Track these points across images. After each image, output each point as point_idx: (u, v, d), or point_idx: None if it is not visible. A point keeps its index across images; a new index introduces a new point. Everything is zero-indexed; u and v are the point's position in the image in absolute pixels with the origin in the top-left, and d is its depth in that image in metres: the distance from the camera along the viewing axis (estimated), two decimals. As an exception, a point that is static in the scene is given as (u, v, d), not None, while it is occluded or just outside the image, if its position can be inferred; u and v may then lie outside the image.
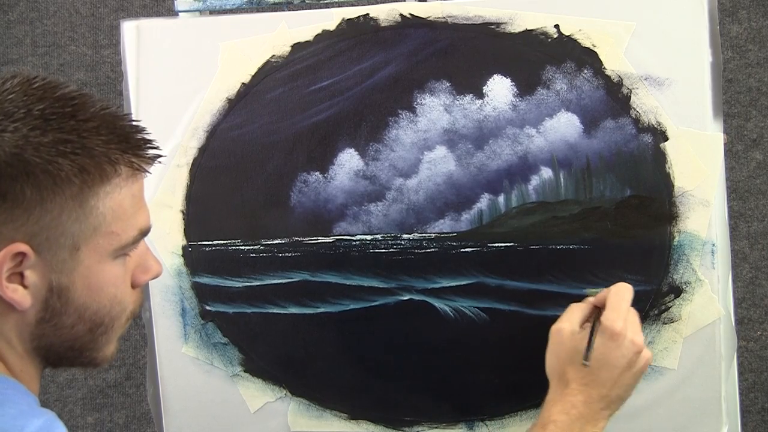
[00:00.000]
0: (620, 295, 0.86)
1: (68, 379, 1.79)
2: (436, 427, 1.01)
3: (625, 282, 0.91)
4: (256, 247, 1.02)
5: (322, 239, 1.01)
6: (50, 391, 1.79)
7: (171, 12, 1.08)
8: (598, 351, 0.83)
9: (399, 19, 0.99)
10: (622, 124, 0.94)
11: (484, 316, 0.98)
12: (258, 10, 1.05)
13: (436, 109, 0.98)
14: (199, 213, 1.04)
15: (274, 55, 1.02)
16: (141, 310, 1.07)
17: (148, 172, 0.73)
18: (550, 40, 0.96)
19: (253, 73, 1.02)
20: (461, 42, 0.97)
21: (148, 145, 0.72)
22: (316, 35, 1.01)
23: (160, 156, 0.73)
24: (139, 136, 0.72)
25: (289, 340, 1.03)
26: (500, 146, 0.97)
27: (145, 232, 0.73)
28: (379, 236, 1.00)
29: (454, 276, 0.98)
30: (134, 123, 0.72)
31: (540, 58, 0.96)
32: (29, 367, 0.73)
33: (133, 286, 0.75)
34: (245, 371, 1.04)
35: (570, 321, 0.87)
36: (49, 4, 1.81)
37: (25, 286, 0.67)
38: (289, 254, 1.01)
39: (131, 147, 0.70)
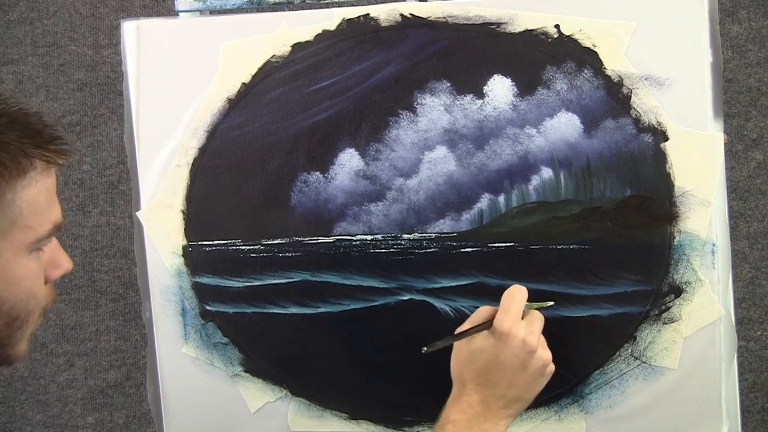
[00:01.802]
0: (510, 296, 0.87)
1: (68, 379, 1.79)
2: (436, 427, 1.01)
3: (626, 282, 0.91)
4: (256, 247, 1.02)
5: (322, 239, 1.01)
6: (50, 391, 1.79)
7: (171, 12, 1.08)
8: (489, 351, 0.84)
9: (399, 19, 0.99)
10: (623, 124, 0.94)
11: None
12: (258, 10, 1.05)
13: (436, 109, 0.98)
14: (199, 213, 1.04)
15: (274, 55, 1.02)
16: (141, 310, 1.07)
17: (61, 165, 0.75)
18: (550, 40, 0.96)
19: (253, 73, 1.02)
20: (461, 42, 0.97)
21: (59, 140, 0.75)
22: (317, 35, 1.01)
23: (69, 151, 0.76)
24: (50, 131, 0.74)
25: (289, 340, 1.03)
26: (500, 146, 0.97)
27: (58, 226, 0.76)
28: (379, 236, 1.00)
29: (455, 276, 0.98)
30: (43, 119, 0.75)
31: (540, 58, 0.96)
32: None
33: (46, 281, 0.77)
34: (245, 371, 1.04)
35: (469, 324, 0.88)
36: (49, 4, 1.81)
37: None
38: (290, 254, 1.01)
39: (44, 141, 0.73)
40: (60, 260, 0.79)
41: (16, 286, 0.72)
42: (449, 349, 0.96)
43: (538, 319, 0.87)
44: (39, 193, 0.72)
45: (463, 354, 0.86)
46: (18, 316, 0.73)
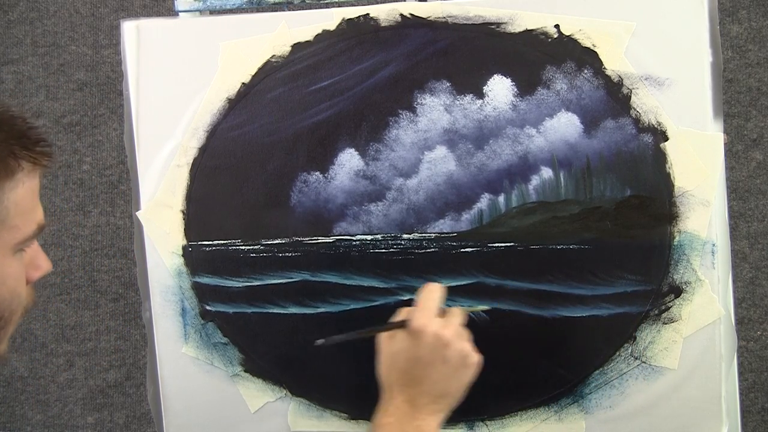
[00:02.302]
0: (425, 294, 0.87)
1: (68, 379, 1.79)
2: (436, 427, 1.01)
3: (626, 282, 0.91)
4: (256, 247, 1.02)
5: (322, 239, 1.01)
6: (50, 391, 1.79)
7: (171, 12, 1.08)
8: (408, 351, 0.84)
9: (399, 19, 0.99)
10: (622, 124, 0.94)
11: (484, 316, 0.98)
12: (258, 10, 1.05)
13: (436, 109, 0.98)
14: (199, 213, 1.04)
15: (274, 55, 1.02)
16: (141, 310, 1.07)
17: (47, 167, 0.76)
18: (550, 40, 0.96)
19: (253, 73, 1.02)
20: (461, 42, 0.97)
21: (44, 142, 0.75)
22: (317, 35, 1.01)
23: (53, 153, 0.77)
24: (36, 133, 0.75)
25: (289, 340, 1.03)
26: (500, 146, 0.97)
27: (42, 228, 0.77)
28: (379, 236, 1.00)
29: (455, 276, 0.98)
30: (28, 121, 0.75)
31: (540, 58, 0.96)
32: None
33: (27, 282, 0.78)
34: (245, 371, 1.04)
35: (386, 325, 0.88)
36: (49, 4, 1.81)
37: None
38: (290, 254, 1.01)
39: (31, 143, 0.73)
40: (40, 262, 0.80)
41: (2, 286, 0.73)
42: None
43: (455, 315, 0.87)
44: (25, 195, 0.73)
45: (387, 358, 0.86)
46: (2, 315, 0.74)
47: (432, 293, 0.87)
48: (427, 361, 0.83)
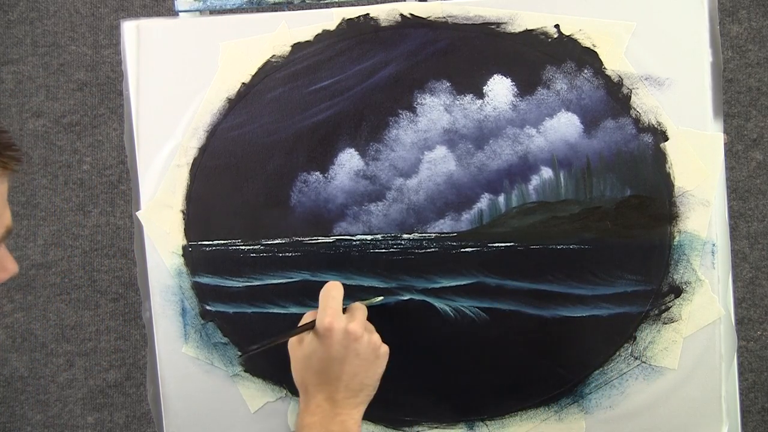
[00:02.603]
0: (327, 293, 0.89)
1: (68, 379, 1.79)
2: (436, 427, 1.01)
3: (626, 282, 0.91)
4: (256, 247, 1.02)
5: (322, 239, 1.01)
6: (50, 391, 1.79)
7: (171, 12, 1.08)
8: (320, 351, 0.86)
9: (399, 19, 0.99)
10: (622, 124, 0.94)
11: (484, 316, 0.98)
12: (258, 10, 1.05)
13: (436, 109, 0.98)
14: (199, 213, 1.04)
15: (274, 55, 1.02)
16: (141, 310, 1.07)
17: (16, 171, 0.76)
18: (550, 40, 0.96)
19: (253, 73, 1.02)
20: (461, 42, 0.97)
21: (14, 146, 0.76)
22: (317, 35, 1.01)
23: (22, 158, 0.78)
24: (6, 137, 0.75)
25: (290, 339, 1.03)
26: (500, 146, 0.97)
27: (9, 231, 0.77)
28: (379, 236, 1.00)
29: (455, 276, 0.98)
30: None
31: (540, 58, 0.96)
32: None
33: None
34: (245, 371, 1.04)
35: (294, 330, 0.90)
36: (49, 4, 1.81)
37: None
38: (290, 254, 1.01)
39: (3, 147, 0.74)
40: (6, 264, 0.81)
41: None
42: (441, 346, 0.97)
43: (359, 309, 0.90)
44: None
45: (299, 362, 0.88)
46: None
47: (332, 292, 0.89)
48: (341, 357, 0.85)
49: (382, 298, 0.99)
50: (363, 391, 0.87)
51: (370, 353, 0.87)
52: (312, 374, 0.86)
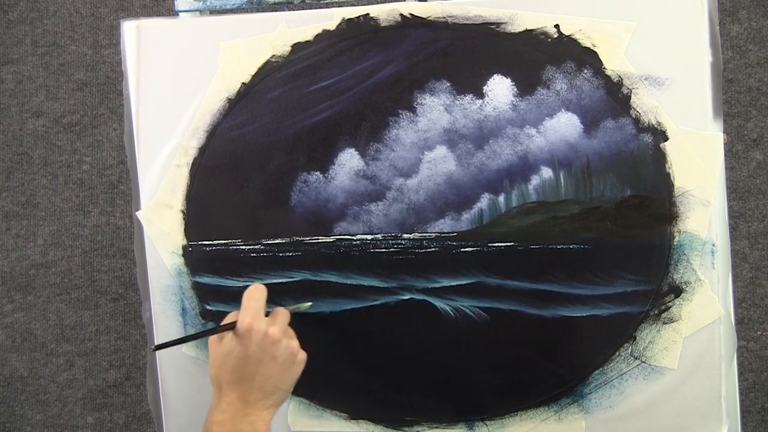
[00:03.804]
0: (250, 295, 0.90)
1: (68, 379, 1.79)
2: (436, 427, 1.02)
3: (626, 282, 0.91)
4: (256, 246, 1.02)
5: (322, 239, 1.01)
6: (50, 391, 1.79)
7: (171, 12, 1.08)
8: (237, 350, 0.87)
9: (399, 19, 0.99)
10: (622, 124, 0.94)
11: (485, 316, 0.98)
12: (258, 10, 1.05)
13: (436, 109, 0.98)
14: (199, 213, 1.04)
15: (274, 55, 1.02)
16: (141, 310, 1.07)
17: None
18: (550, 40, 0.96)
19: (253, 73, 1.02)
20: (461, 42, 0.97)
21: None
22: (317, 35, 1.01)
23: None
24: None
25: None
26: (500, 146, 0.97)
27: None
28: (379, 236, 1.00)
29: (455, 275, 0.98)
30: None
31: (540, 58, 0.96)
32: None
33: None
34: (245, 371, 1.04)
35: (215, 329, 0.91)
36: (49, 4, 1.81)
37: None
38: (290, 254, 1.01)
39: None
40: None
41: None
42: (441, 345, 0.97)
43: (281, 314, 0.92)
44: None
45: (216, 359, 0.89)
46: None
47: (255, 294, 0.90)
48: (258, 359, 0.87)
49: (310, 304, 1.00)
50: (275, 394, 0.89)
51: (286, 358, 0.89)
52: (227, 372, 0.87)
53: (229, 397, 0.87)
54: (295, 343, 0.91)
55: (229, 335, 0.88)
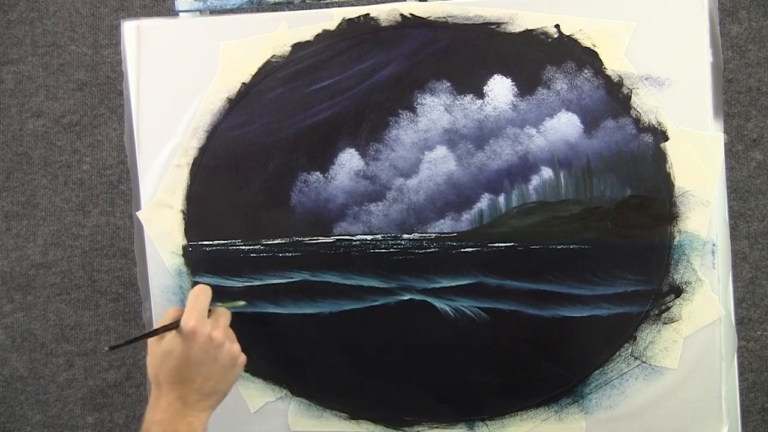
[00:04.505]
0: (194, 296, 0.91)
1: (68, 379, 1.79)
2: (436, 427, 1.02)
3: (626, 282, 0.91)
4: (256, 247, 1.02)
5: (322, 239, 1.01)
6: (50, 391, 1.79)
7: (171, 12, 1.08)
8: (179, 350, 0.87)
9: (399, 19, 0.99)
10: (623, 124, 0.94)
11: (485, 316, 0.98)
12: (258, 10, 1.05)
13: (436, 109, 0.98)
14: (199, 213, 1.04)
15: (274, 55, 1.02)
16: (141, 310, 1.07)
17: None
18: (550, 40, 0.96)
19: (253, 73, 1.02)
20: (461, 42, 0.97)
21: None
22: (317, 35, 1.01)
23: None
24: None
25: (289, 340, 1.03)
26: (501, 146, 0.97)
27: None
28: (379, 236, 1.00)
29: (455, 276, 0.98)
30: None
31: (540, 58, 0.96)
32: None
33: None
34: (245, 371, 1.04)
35: (159, 325, 0.91)
36: (49, 4, 1.81)
37: None
38: (290, 254, 1.01)
39: None
40: None
41: None
42: (441, 346, 0.96)
43: (223, 315, 0.92)
44: None
45: (156, 357, 0.89)
46: None
47: (200, 295, 0.91)
48: (199, 360, 0.87)
49: (244, 303, 1.01)
50: (214, 396, 0.89)
51: (228, 361, 0.90)
52: (168, 371, 0.87)
53: (168, 397, 0.87)
54: (236, 346, 0.92)
55: (171, 335, 0.88)
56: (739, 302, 1.65)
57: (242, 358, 0.92)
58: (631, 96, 0.94)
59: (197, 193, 1.04)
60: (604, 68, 0.95)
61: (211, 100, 1.03)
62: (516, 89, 0.96)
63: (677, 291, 0.94)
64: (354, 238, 1.00)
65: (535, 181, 0.96)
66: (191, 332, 0.87)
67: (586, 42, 0.95)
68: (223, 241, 1.03)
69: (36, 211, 1.80)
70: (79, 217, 1.79)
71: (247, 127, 1.02)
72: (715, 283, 0.94)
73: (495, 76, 0.97)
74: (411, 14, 0.99)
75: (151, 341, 0.90)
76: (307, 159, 1.01)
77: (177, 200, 1.04)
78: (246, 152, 1.02)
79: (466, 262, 0.98)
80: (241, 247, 1.03)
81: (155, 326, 0.93)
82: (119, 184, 1.79)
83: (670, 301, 0.95)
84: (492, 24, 0.97)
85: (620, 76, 0.94)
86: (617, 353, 0.96)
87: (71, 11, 1.81)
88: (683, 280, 0.94)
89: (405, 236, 0.99)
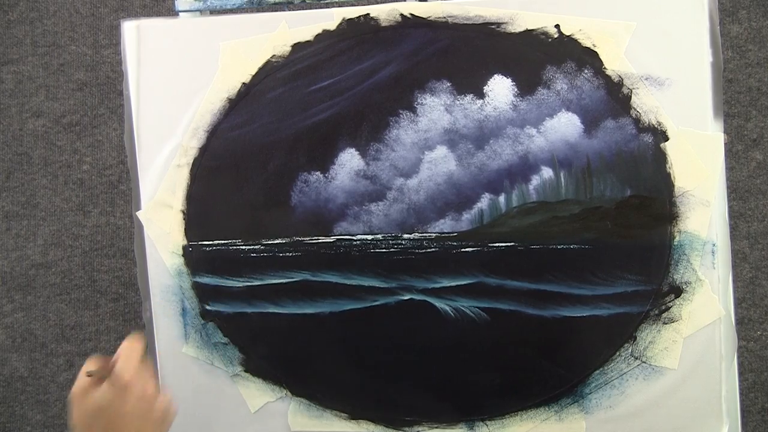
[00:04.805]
0: (129, 346, 0.88)
1: (68, 380, 1.79)
2: (436, 427, 1.02)
3: (626, 282, 0.91)
4: (256, 246, 1.02)
5: (322, 239, 1.01)
6: (50, 391, 1.79)
7: (171, 12, 1.08)
8: (114, 403, 0.83)
9: (399, 19, 0.99)
10: (623, 124, 0.94)
11: (485, 316, 0.98)
12: (258, 10, 1.05)
13: (436, 109, 0.98)
14: (199, 213, 1.04)
15: (274, 55, 1.02)
16: (141, 310, 1.07)
17: None
18: (550, 40, 0.96)
19: (253, 73, 1.02)
20: (462, 42, 0.97)
21: None
22: (317, 35, 1.01)
23: None
24: None
25: (289, 340, 1.03)
26: (501, 146, 0.97)
27: None
28: (379, 236, 1.00)
29: (455, 276, 0.98)
30: None
31: (540, 58, 0.96)
32: None
33: None
34: (245, 371, 1.04)
35: (78, 379, 0.86)
36: (49, 4, 1.81)
37: None
38: (290, 254, 1.01)
39: None
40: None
41: None
42: (441, 345, 0.96)
43: (149, 367, 0.88)
44: None
45: (85, 412, 0.84)
46: None
47: (135, 344, 0.87)
48: (134, 414, 0.84)
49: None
50: None
51: (160, 416, 0.87)
52: (101, 425, 0.83)
53: None
54: (168, 398, 0.88)
55: (103, 388, 0.84)
56: (739, 302, 1.65)
57: (173, 408, 0.89)
58: (631, 96, 0.94)
59: (197, 193, 1.04)
60: (604, 68, 0.95)
61: (211, 100, 1.03)
62: (516, 89, 0.96)
63: (677, 291, 0.94)
64: (354, 238, 1.00)
65: (535, 181, 0.96)
66: (127, 384, 0.84)
67: (586, 42, 0.95)
68: (223, 241, 1.03)
69: (36, 211, 1.80)
70: (79, 217, 1.79)
71: (247, 127, 1.02)
72: (715, 283, 0.94)
73: (495, 76, 0.97)
74: (411, 14, 0.99)
75: (78, 396, 0.85)
76: (307, 159, 1.01)
77: (177, 200, 1.04)
78: (246, 152, 1.02)
79: (466, 262, 0.98)
80: (241, 247, 1.03)
81: (80, 375, 0.87)
82: (119, 184, 1.79)
83: (670, 301, 0.95)
84: (492, 24, 0.97)
85: (620, 76, 0.94)
86: (617, 353, 0.96)
87: (71, 11, 1.81)
88: (683, 280, 0.94)
89: (405, 236, 0.99)
